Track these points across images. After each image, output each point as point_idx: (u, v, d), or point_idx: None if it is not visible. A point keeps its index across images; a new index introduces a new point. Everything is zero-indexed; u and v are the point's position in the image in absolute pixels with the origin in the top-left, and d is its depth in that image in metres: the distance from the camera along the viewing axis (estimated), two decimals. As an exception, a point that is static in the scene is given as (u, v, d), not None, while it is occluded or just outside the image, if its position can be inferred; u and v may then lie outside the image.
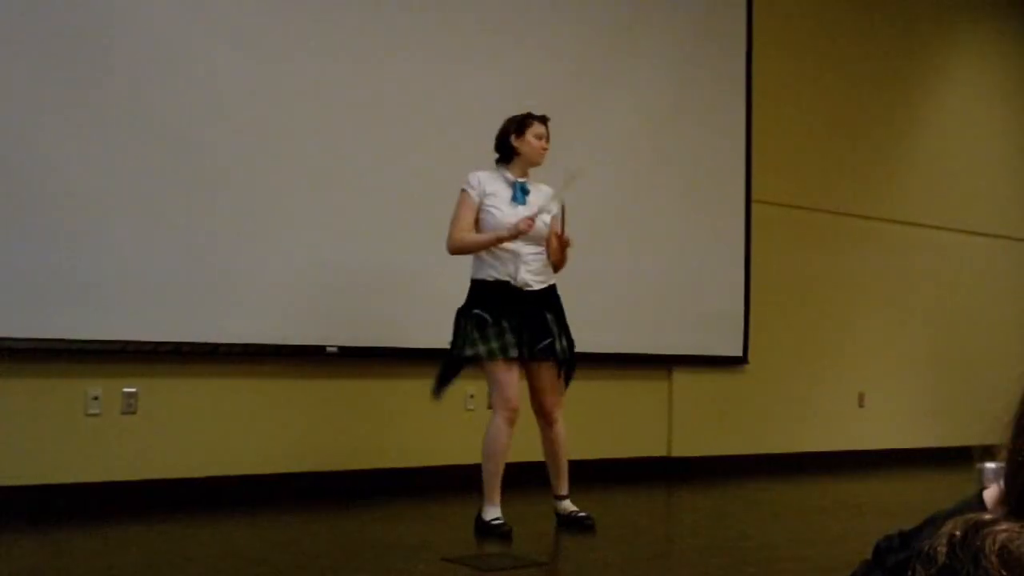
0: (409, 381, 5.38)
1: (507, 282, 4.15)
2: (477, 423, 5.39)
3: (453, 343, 4.19)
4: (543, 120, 4.28)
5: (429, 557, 3.68)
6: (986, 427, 1.09)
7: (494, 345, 4.08)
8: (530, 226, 4.07)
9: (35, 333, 4.37)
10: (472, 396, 5.45)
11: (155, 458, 4.67)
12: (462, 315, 4.17)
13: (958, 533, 0.89)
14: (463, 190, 4.22)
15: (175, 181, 4.72)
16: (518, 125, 4.26)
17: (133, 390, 4.65)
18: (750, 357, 6.74)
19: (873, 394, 7.52)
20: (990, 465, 1.09)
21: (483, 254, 4.18)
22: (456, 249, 4.22)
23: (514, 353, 4.11)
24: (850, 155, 7.50)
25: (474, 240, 4.18)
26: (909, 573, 0.92)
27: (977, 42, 8.56)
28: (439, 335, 5.26)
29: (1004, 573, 0.84)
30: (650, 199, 6.28)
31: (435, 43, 5.47)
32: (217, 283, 4.81)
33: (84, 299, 4.47)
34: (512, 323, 4.12)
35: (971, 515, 0.92)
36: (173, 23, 4.73)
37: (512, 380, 4.14)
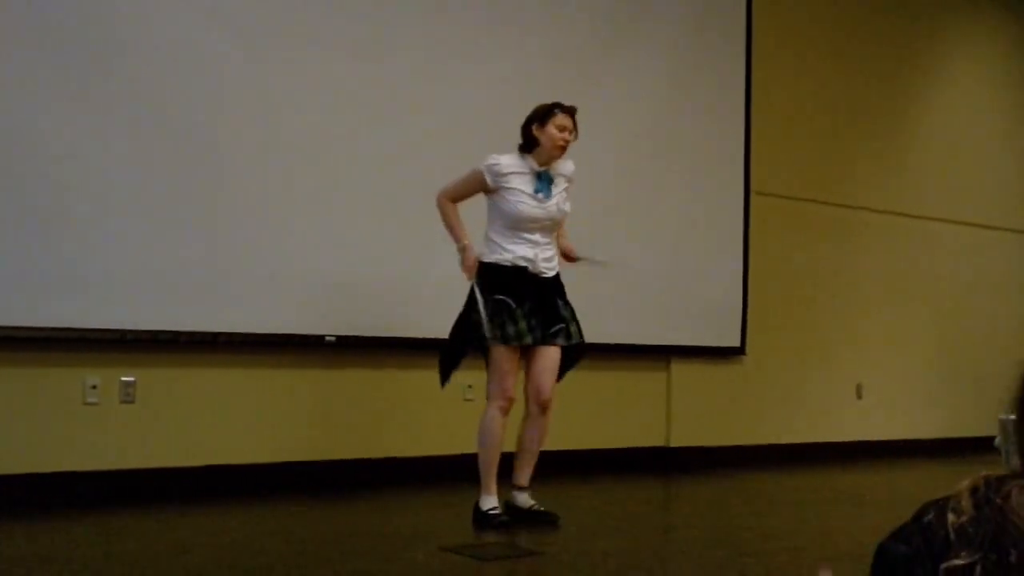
0: (407, 371, 5.38)
1: (525, 267, 4.13)
2: (475, 413, 5.38)
3: (461, 326, 4.14)
4: (570, 112, 4.19)
5: (427, 546, 3.68)
6: (985, 417, 1.09)
7: (509, 331, 4.05)
8: (470, 271, 4.13)
9: (34, 322, 4.36)
10: (470, 387, 5.44)
11: (153, 447, 4.67)
12: (476, 298, 4.11)
13: (980, 487, 0.92)
14: (479, 169, 4.15)
15: (174, 171, 4.71)
16: (542, 115, 4.18)
17: (131, 379, 4.64)
18: (748, 348, 6.74)
19: (871, 385, 7.53)
20: (1014, 417, 1.10)
21: (501, 239, 4.14)
22: (439, 206, 4.25)
23: (526, 341, 4.09)
24: (849, 146, 7.49)
25: (447, 219, 4.22)
26: (933, 518, 0.94)
27: (977, 34, 8.55)
28: (437, 325, 5.25)
29: None
30: (649, 190, 6.27)
31: (435, 39, 5.46)
32: (216, 272, 4.80)
33: (83, 288, 4.47)
34: (526, 309, 4.10)
35: (988, 472, 0.95)
36: (175, 17, 4.72)
37: (513, 370, 4.12)
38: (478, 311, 4.08)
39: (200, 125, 4.78)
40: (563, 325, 4.19)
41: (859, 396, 7.50)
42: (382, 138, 5.27)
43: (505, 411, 4.14)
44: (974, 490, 0.94)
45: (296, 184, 5.03)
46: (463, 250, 4.16)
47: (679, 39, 6.44)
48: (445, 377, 4.27)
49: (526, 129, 4.21)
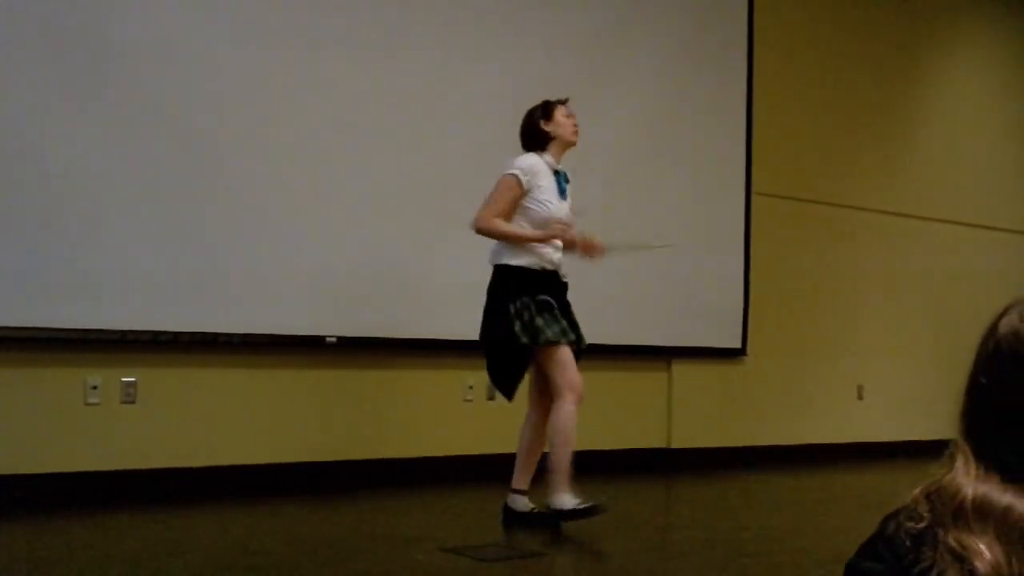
0: (408, 372, 5.39)
1: (555, 271, 4.12)
2: (476, 414, 5.41)
3: (507, 331, 3.98)
4: (565, 103, 4.20)
5: (427, 547, 3.68)
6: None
7: (558, 329, 4.01)
8: (565, 232, 4.08)
9: (35, 322, 4.36)
10: (471, 387, 5.46)
11: (154, 447, 4.67)
12: (514, 301, 3.99)
13: (934, 490, 0.94)
14: (512, 174, 4.05)
15: (175, 172, 4.71)
16: (543, 110, 4.16)
17: (132, 379, 4.65)
18: (749, 349, 6.74)
19: (872, 386, 7.53)
20: None
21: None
22: (486, 232, 4.09)
23: (571, 338, 4.08)
24: (850, 147, 7.49)
25: (508, 233, 4.05)
26: (893, 526, 0.95)
27: (978, 34, 8.55)
28: (439, 326, 5.28)
29: (980, 522, 0.90)
30: (649, 190, 6.27)
31: (434, 39, 5.45)
32: (217, 273, 4.80)
33: (84, 289, 4.47)
34: (559, 310, 4.09)
35: (936, 477, 0.97)
36: (174, 16, 4.72)
37: (574, 362, 4.06)
38: (513, 321, 3.98)
39: (201, 125, 4.78)
40: (578, 330, 4.20)
41: (860, 397, 7.49)
42: (384, 138, 5.26)
43: (579, 403, 4.08)
44: (928, 495, 0.96)
45: (297, 184, 5.03)
46: (543, 236, 4.05)
47: (680, 39, 6.44)
48: (510, 394, 4.17)
49: (534, 128, 4.16)
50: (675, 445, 6.44)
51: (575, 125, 4.18)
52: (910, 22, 7.96)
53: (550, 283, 4.09)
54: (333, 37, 5.15)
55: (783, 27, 7.08)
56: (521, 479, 4.20)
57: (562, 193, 4.16)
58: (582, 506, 3.99)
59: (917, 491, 0.97)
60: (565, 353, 4.04)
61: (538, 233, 4.07)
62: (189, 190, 4.75)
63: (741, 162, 6.73)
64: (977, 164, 8.39)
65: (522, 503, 4.18)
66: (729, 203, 6.68)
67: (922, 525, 0.94)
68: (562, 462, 4.03)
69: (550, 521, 4.08)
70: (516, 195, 4.06)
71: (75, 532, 3.92)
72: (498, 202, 4.06)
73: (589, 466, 5.85)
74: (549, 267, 4.10)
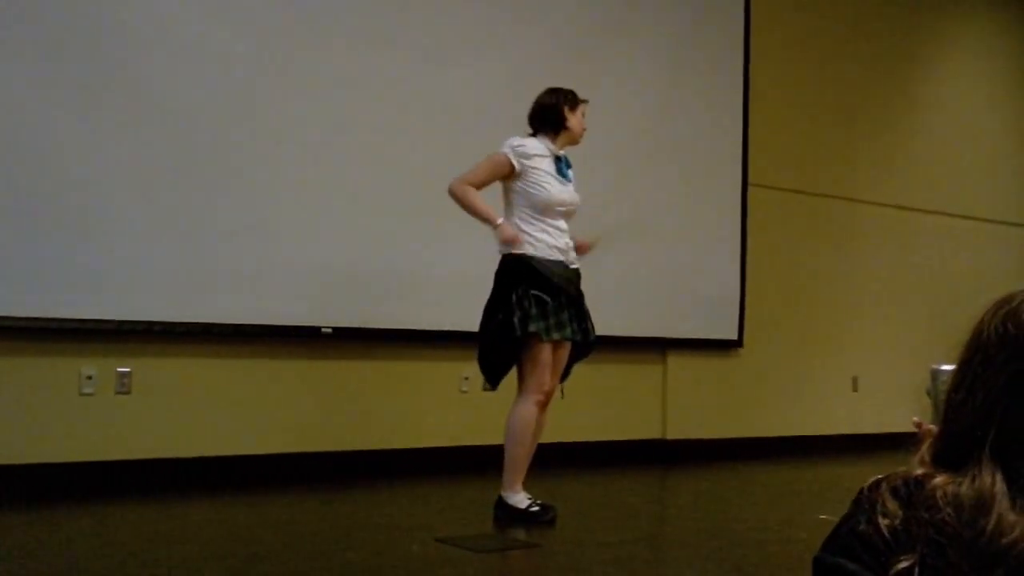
0: (403, 363, 5.38)
1: (562, 260, 4.04)
2: (472, 405, 5.41)
3: (504, 321, 3.92)
4: (585, 103, 4.18)
5: (423, 538, 3.68)
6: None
7: (551, 322, 3.95)
8: (513, 240, 3.96)
9: (30, 312, 4.36)
10: (467, 378, 5.45)
11: (148, 437, 4.67)
12: (516, 291, 3.93)
13: (899, 486, 0.93)
14: (504, 153, 4.01)
15: (170, 164, 4.70)
16: (572, 99, 4.12)
17: (127, 369, 4.64)
18: (745, 341, 6.74)
19: (867, 378, 7.54)
20: (945, 367, 1.11)
21: (532, 228, 3.99)
22: (456, 194, 4.03)
23: (566, 335, 4.01)
24: (847, 139, 7.48)
25: (472, 203, 4.01)
26: (866, 526, 0.94)
27: (975, 26, 8.54)
28: (434, 317, 5.28)
29: (960, 523, 0.88)
30: (647, 182, 6.26)
31: (432, 33, 5.44)
32: (212, 264, 4.79)
33: (79, 279, 4.46)
34: (563, 301, 4.01)
35: (901, 470, 0.95)
36: (174, 14, 4.71)
37: (551, 363, 4.03)
38: (513, 310, 3.91)
39: (195, 117, 4.77)
40: (588, 322, 4.16)
41: (855, 389, 7.50)
42: (380, 131, 5.25)
43: (543, 406, 4.06)
44: (894, 491, 0.95)
45: (292, 175, 5.02)
46: (500, 225, 3.97)
47: (677, 31, 6.43)
48: (495, 383, 4.13)
49: (556, 109, 4.11)
50: (670, 436, 6.44)
51: (584, 129, 4.18)
52: (908, 13, 7.96)
53: (559, 273, 4.02)
54: (330, 33, 5.14)
55: (780, 19, 7.07)
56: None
57: (563, 176, 4.11)
58: (534, 508, 4.01)
59: (883, 488, 0.96)
60: (544, 351, 3.98)
61: (487, 210, 4.00)
62: (184, 181, 4.74)
63: (737, 154, 6.72)
64: (974, 156, 8.39)
65: (517, 498, 4.16)
66: (726, 195, 6.68)
67: (896, 522, 0.93)
68: (514, 460, 4.03)
69: (512, 514, 4.03)
70: (501, 173, 4.02)
71: (70, 522, 3.92)
72: (479, 172, 4.03)
73: (585, 457, 5.89)
74: (558, 256, 4.03)
